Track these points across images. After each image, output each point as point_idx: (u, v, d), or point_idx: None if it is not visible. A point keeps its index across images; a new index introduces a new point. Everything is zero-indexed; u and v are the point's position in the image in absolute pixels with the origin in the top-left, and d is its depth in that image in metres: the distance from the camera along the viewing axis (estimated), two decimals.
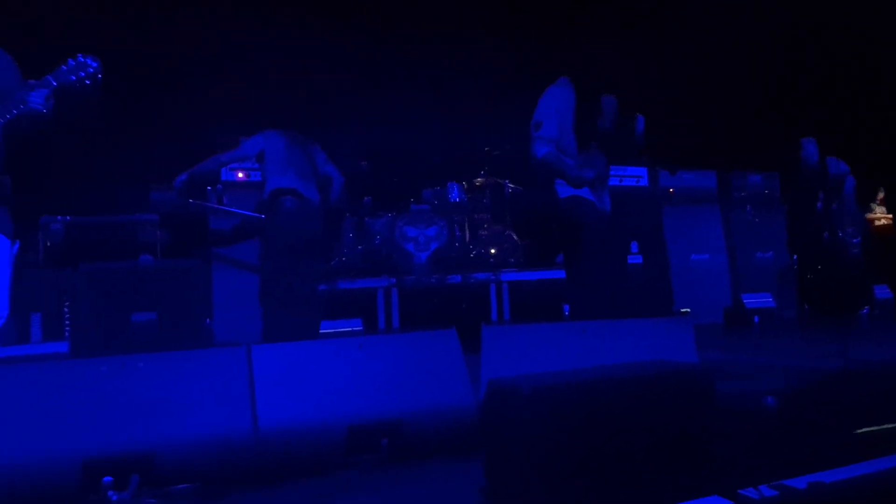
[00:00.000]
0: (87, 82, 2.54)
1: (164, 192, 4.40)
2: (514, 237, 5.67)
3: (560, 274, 5.41)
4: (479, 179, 5.80)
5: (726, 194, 5.96)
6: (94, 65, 2.57)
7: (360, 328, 4.53)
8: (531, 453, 1.54)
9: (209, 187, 4.69)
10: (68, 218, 4.53)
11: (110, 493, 1.70)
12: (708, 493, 1.53)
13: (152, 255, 4.47)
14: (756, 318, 5.53)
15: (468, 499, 1.74)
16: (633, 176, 5.43)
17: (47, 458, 1.68)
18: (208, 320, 4.47)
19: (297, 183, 4.02)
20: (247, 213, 4.40)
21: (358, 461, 2.00)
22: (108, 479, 1.73)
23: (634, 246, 5.35)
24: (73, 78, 2.54)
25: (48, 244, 4.48)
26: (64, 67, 2.55)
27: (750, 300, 5.60)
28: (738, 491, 1.55)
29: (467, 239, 5.53)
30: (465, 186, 5.71)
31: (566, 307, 4.96)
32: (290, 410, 1.95)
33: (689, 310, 5.18)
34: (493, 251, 5.55)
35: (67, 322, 4.36)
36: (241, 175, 4.72)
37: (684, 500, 1.51)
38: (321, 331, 4.22)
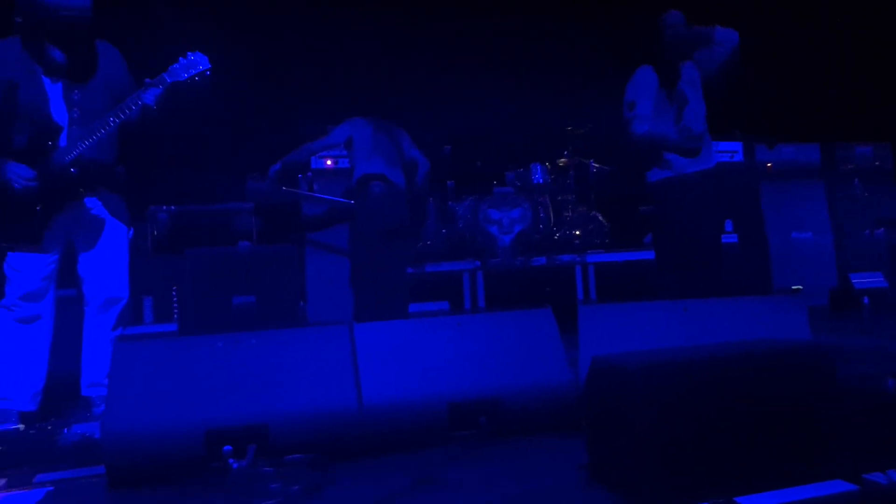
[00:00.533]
0: (197, 79, 2.68)
1: (258, 181, 4.59)
2: (600, 218, 5.55)
3: (648, 255, 5.27)
4: (562, 159, 5.70)
5: (831, 168, 5.57)
6: (205, 62, 2.70)
7: (447, 310, 4.58)
8: (637, 432, 1.52)
9: (300, 175, 4.86)
10: (173, 207, 4.82)
11: (231, 460, 1.82)
12: (830, 477, 1.46)
13: (249, 241, 4.69)
14: (866, 299, 5.17)
15: (569, 475, 1.74)
16: (727, 151, 5.18)
17: (176, 428, 1.82)
18: (301, 303, 4.66)
19: (384, 168, 4.10)
20: (336, 199, 4.53)
21: (458, 437, 2.04)
22: (227, 447, 1.85)
23: (729, 224, 5.12)
24: (185, 76, 2.68)
25: (155, 232, 4.78)
26: (176, 65, 2.69)
27: (859, 280, 5.23)
28: (864, 475, 1.47)
29: (551, 220, 5.46)
30: (549, 167, 5.62)
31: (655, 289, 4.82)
32: (392, 386, 2.01)
33: (800, 287, 4.91)
34: (577, 232, 5.46)
35: (175, 304, 4.66)
36: (329, 162, 4.85)
37: (804, 483, 1.45)
38: (409, 313, 4.31)
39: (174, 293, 4.66)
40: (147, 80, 2.67)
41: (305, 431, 1.89)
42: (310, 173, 4.83)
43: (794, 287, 5.03)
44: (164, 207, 4.80)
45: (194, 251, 4.29)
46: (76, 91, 2.67)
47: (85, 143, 2.62)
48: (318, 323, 4.22)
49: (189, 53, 2.72)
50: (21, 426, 2.19)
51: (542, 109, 6.23)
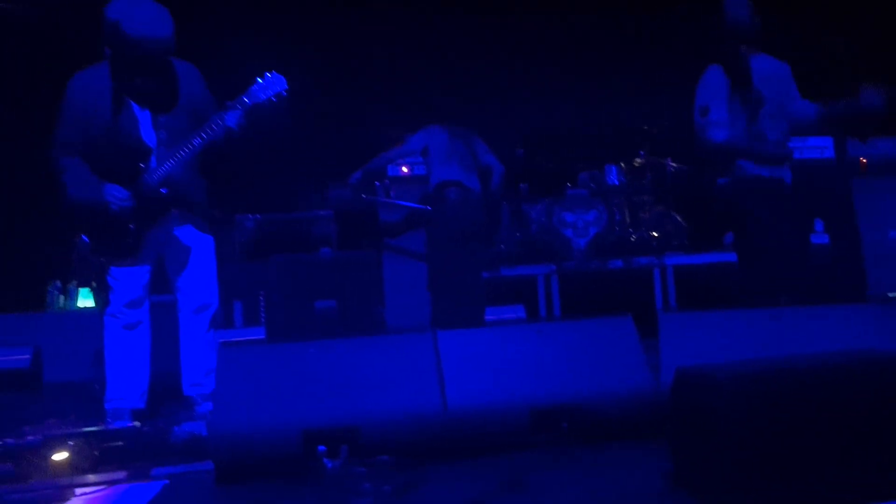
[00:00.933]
0: (275, 100, 2.82)
1: (339, 189, 4.77)
2: (679, 219, 5.41)
3: (730, 257, 5.10)
4: (638, 160, 5.59)
5: None
6: (282, 83, 2.84)
7: (523, 314, 4.61)
8: (724, 441, 1.51)
9: (377, 182, 5.01)
10: (258, 216, 5.08)
11: (325, 460, 1.94)
12: None
13: (330, 247, 4.89)
14: None
15: (652, 481, 1.75)
16: (816, 147, 4.94)
17: (276, 427, 1.95)
18: (381, 307, 4.80)
19: (460, 174, 4.18)
20: (413, 205, 4.64)
21: (540, 442, 2.08)
22: (322, 447, 1.97)
23: (819, 224, 4.87)
24: (264, 97, 2.82)
25: (242, 239, 5.05)
26: (254, 87, 2.83)
27: None
28: None
29: (627, 222, 5.38)
30: (624, 168, 5.53)
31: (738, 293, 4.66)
32: (476, 391, 2.07)
33: None
34: (655, 234, 5.36)
35: (263, 308, 4.91)
36: (405, 169, 4.98)
37: (893, 500, 1.40)
38: (486, 317, 4.37)
39: (261, 297, 4.91)
40: (227, 102, 2.82)
41: (394, 433, 1.99)
42: (387, 180, 4.98)
43: (890, 294, 4.74)
44: (250, 216, 5.06)
45: (279, 257, 4.51)
46: (162, 115, 2.87)
47: (172, 164, 2.81)
48: (403, 330, 4.33)
49: (266, 74, 2.84)
50: (138, 423, 2.40)
51: (616, 108, 6.14)
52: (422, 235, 4.72)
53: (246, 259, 4.98)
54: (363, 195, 4.57)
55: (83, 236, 2.89)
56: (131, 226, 2.81)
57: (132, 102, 2.83)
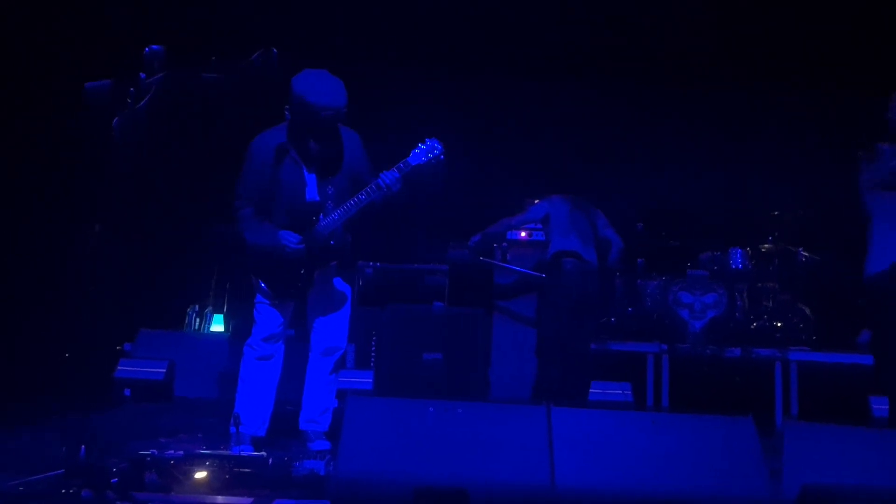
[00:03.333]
0: (433, 163, 3.07)
1: (458, 248, 4.96)
2: (807, 311, 5.11)
3: (864, 359, 4.73)
4: (766, 245, 5.38)
5: None
6: (440, 148, 3.09)
7: (630, 393, 4.50)
8: None
9: (494, 245, 5.16)
10: (378, 264, 5.36)
11: None
12: None
13: (442, 301, 5.05)
14: None
15: None
16: None
17: (391, 479, 2.06)
18: (486, 367, 4.86)
19: (578, 246, 4.23)
20: (528, 271, 4.73)
21: None
22: None
23: None
24: (424, 160, 3.08)
25: (361, 284, 5.33)
26: (416, 150, 3.11)
27: None
28: None
29: (748, 309, 5.15)
30: (750, 252, 5.33)
31: (873, 400, 4.30)
32: (585, 473, 2.08)
33: None
34: (779, 324, 5.08)
35: (373, 353, 5.12)
36: (524, 234, 5.09)
37: None
38: (590, 390, 4.31)
39: (373, 342, 5.13)
40: (390, 169, 3.09)
41: (501, 502, 2.03)
42: (505, 244, 5.11)
43: None
44: (371, 264, 5.35)
45: (394, 306, 4.74)
46: (329, 175, 3.18)
47: (337, 218, 3.10)
48: (514, 400, 4.38)
49: (427, 140, 3.12)
50: (264, 453, 2.61)
51: (746, 190, 5.95)
52: (533, 301, 4.79)
53: (363, 304, 5.23)
54: (480, 257, 4.72)
55: (260, 281, 3.18)
56: (302, 270, 3.11)
57: (303, 162, 3.17)
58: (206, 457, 2.39)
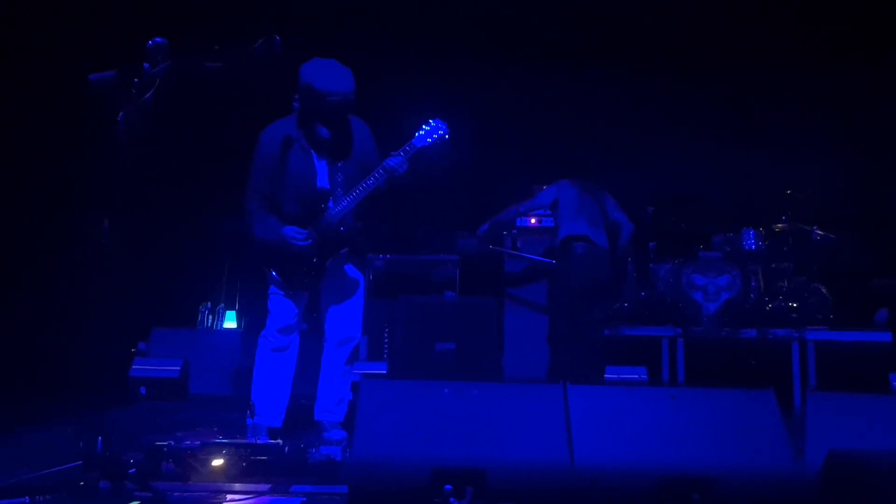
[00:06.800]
0: (438, 144, 3.04)
1: (467, 238, 4.94)
2: (823, 290, 5.04)
3: (884, 336, 4.68)
4: (779, 225, 5.30)
5: None
6: (444, 128, 3.07)
7: (646, 377, 4.46)
8: None
9: (504, 232, 5.13)
10: (388, 256, 5.35)
11: (451, 499, 2.00)
12: None
13: (454, 291, 5.04)
14: None
15: None
16: None
17: (407, 461, 2.05)
18: (499, 355, 4.84)
19: (588, 230, 4.19)
20: (538, 257, 4.70)
21: None
22: (448, 486, 2.03)
23: None
24: (428, 141, 3.06)
25: (371, 277, 5.32)
26: (421, 132, 3.09)
27: None
28: None
29: (763, 290, 5.09)
30: (763, 233, 5.26)
31: (894, 377, 4.24)
32: (603, 450, 2.06)
33: None
34: (794, 305, 5.02)
35: (386, 344, 5.11)
36: (533, 221, 5.06)
37: None
38: (606, 375, 4.28)
39: (386, 334, 5.12)
40: (395, 152, 3.07)
41: (519, 481, 2.01)
42: (514, 231, 5.08)
43: None
44: (381, 256, 5.34)
45: (405, 298, 4.72)
46: (339, 162, 3.16)
47: (347, 205, 3.09)
48: (529, 380, 4.35)
49: (431, 120, 3.10)
50: (280, 441, 2.60)
51: (758, 169, 5.87)
52: (544, 288, 4.76)
53: (374, 296, 5.22)
54: (490, 245, 4.70)
55: (272, 272, 3.18)
56: (314, 259, 3.09)
57: (312, 150, 3.15)
58: (223, 446, 2.39)
